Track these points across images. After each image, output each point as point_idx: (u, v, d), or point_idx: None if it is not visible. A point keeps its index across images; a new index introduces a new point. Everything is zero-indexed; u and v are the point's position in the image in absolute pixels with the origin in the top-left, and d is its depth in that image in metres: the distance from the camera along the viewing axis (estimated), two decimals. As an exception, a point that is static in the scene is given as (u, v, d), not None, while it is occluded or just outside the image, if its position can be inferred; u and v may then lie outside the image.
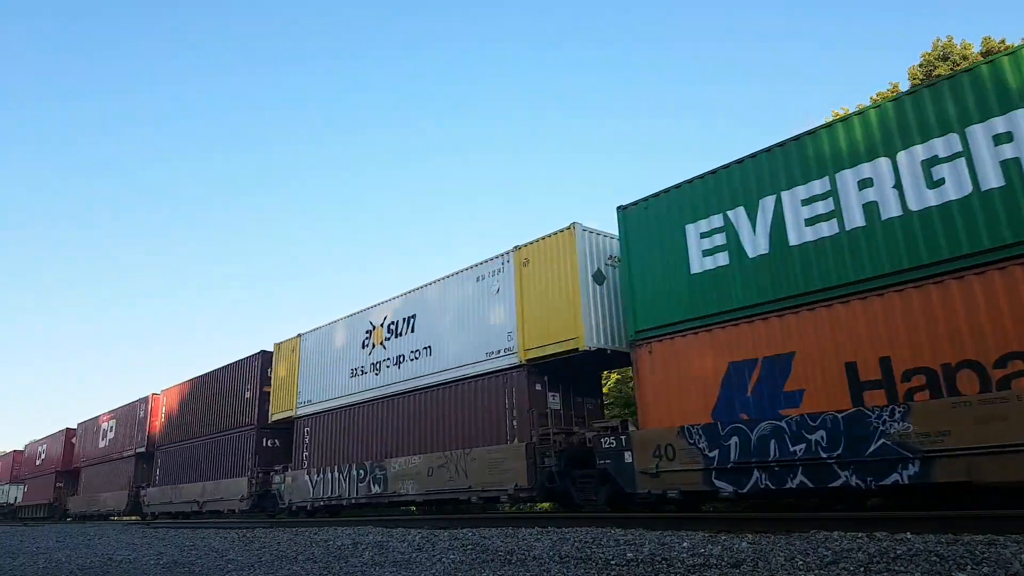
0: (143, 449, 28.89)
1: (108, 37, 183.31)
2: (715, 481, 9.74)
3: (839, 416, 8.60)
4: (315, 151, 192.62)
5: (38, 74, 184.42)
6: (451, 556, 7.24)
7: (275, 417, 21.13)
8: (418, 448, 15.45)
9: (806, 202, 9.67)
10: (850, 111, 25.06)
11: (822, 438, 8.72)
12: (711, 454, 9.84)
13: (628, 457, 10.92)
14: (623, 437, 11.12)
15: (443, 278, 15.86)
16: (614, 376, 23.98)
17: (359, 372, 17.94)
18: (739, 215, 10.39)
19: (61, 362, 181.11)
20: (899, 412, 8.10)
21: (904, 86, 23.71)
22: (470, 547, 7.70)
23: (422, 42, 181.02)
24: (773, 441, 9.18)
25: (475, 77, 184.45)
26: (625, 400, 23.08)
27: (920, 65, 22.98)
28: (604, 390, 18.84)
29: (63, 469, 38.30)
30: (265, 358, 22.44)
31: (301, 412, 19.94)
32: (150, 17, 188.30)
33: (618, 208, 12.12)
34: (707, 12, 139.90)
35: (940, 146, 8.51)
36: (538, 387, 13.42)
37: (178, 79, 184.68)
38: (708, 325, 10.42)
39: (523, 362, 13.23)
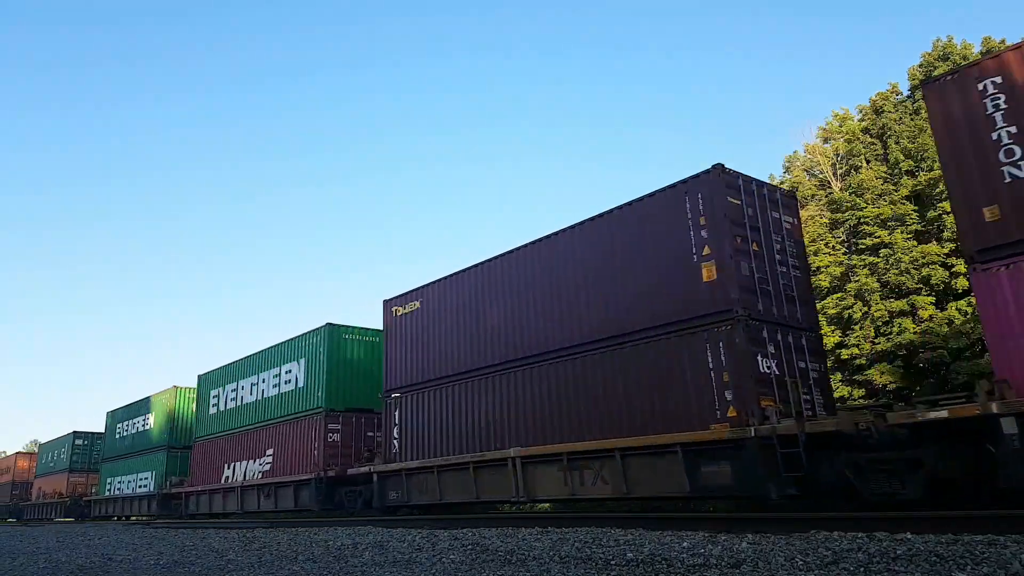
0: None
1: (120, 47, 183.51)
2: None
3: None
4: (318, 155, 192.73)
5: (60, 77, 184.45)
6: (451, 556, 7.24)
7: None
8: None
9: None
10: (850, 111, 25.11)
11: None
12: None
13: None
14: None
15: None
16: None
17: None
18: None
19: (64, 364, 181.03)
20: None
21: (904, 86, 23.66)
22: (470, 547, 7.70)
23: (436, 48, 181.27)
24: None
25: (491, 84, 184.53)
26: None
27: (920, 65, 22.93)
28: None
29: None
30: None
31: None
32: (154, 24, 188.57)
33: None
34: (706, 10, 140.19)
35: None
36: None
37: (199, 86, 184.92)
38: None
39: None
